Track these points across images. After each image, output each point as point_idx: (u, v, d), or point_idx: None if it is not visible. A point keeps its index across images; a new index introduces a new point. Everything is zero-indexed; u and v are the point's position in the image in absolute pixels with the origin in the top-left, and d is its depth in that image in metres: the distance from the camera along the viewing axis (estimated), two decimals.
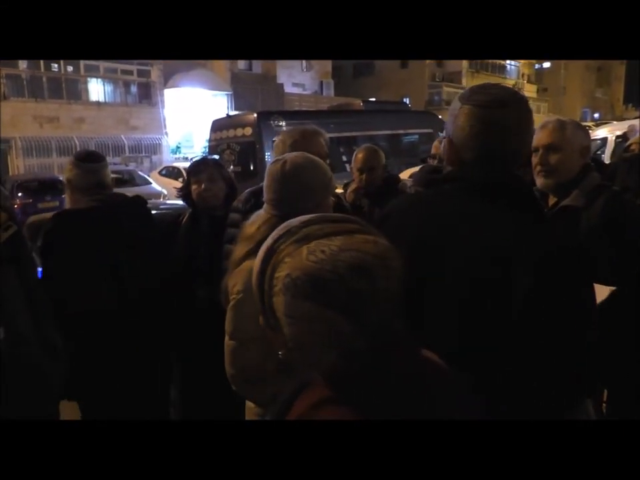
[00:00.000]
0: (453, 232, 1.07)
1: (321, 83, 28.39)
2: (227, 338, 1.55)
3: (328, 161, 2.33)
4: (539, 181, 1.99)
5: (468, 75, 36.08)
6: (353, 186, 3.11)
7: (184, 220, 2.43)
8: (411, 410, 0.68)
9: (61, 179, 14.25)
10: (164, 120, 21.64)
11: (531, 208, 1.13)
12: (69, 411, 2.10)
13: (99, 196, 2.18)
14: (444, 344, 0.85)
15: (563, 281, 1.02)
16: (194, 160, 2.52)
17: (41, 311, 1.76)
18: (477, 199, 1.09)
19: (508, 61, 38.94)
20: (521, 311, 0.99)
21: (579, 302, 1.03)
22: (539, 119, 2.62)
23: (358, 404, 0.68)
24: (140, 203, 2.37)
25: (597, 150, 6.61)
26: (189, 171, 2.41)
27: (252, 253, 1.49)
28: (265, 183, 1.57)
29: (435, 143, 3.48)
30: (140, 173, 15.77)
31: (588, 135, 2.04)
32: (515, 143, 1.11)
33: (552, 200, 2.02)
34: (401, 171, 6.35)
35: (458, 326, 1.03)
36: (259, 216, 1.58)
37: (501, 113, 1.08)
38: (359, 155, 3.08)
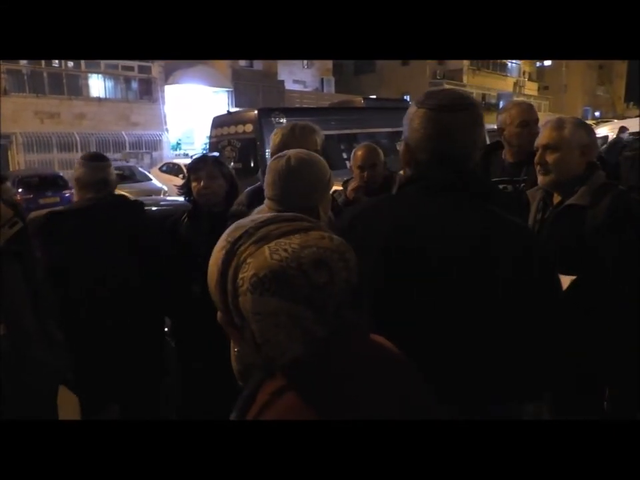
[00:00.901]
0: (418, 233, 1.13)
1: (322, 80, 28.34)
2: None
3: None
4: (539, 179, 2.00)
5: (469, 73, 35.99)
6: (353, 184, 3.11)
7: (185, 217, 2.43)
8: (363, 393, 0.73)
9: (61, 174, 14.29)
10: (165, 116, 21.62)
11: (490, 204, 1.18)
12: (66, 405, 2.12)
13: (103, 193, 2.24)
14: (414, 342, 0.89)
15: (524, 274, 1.06)
16: (194, 157, 2.51)
17: (43, 307, 1.79)
18: (437, 198, 1.15)
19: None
20: (489, 305, 1.05)
21: (544, 297, 1.08)
22: (540, 117, 2.62)
23: (314, 389, 0.74)
24: (137, 205, 2.42)
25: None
26: (189, 168, 2.40)
27: None
28: (267, 180, 1.56)
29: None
30: (140, 169, 15.76)
31: (590, 133, 2.01)
32: (464, 144, 1.17)
33: (557, 198, 2.02)
34: (402, 168, 6.32)
35: (432, 324, 1.08)
36: (261, 212, 1.55)
37: (450, 116, 1.14)
38: (358, 153, 3.07)
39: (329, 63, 28.65)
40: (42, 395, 1.71)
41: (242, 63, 24.22)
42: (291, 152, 1.56)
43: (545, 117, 2.72)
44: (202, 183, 2.29)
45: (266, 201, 1.58)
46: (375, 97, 17.65)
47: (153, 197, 9.59)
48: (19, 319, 1.61)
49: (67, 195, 12.15)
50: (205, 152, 4.31)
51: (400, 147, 1.27)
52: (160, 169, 15.29)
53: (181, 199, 2.63)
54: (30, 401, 1.63)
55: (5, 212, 1.63)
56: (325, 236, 0.80)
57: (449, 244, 1.08)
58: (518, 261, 1.06)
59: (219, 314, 0.85)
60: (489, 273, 1.05)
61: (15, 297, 1.62)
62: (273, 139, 2.23)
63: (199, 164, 2.37)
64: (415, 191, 1.19)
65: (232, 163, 8.45)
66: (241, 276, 0.77)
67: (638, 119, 7.29)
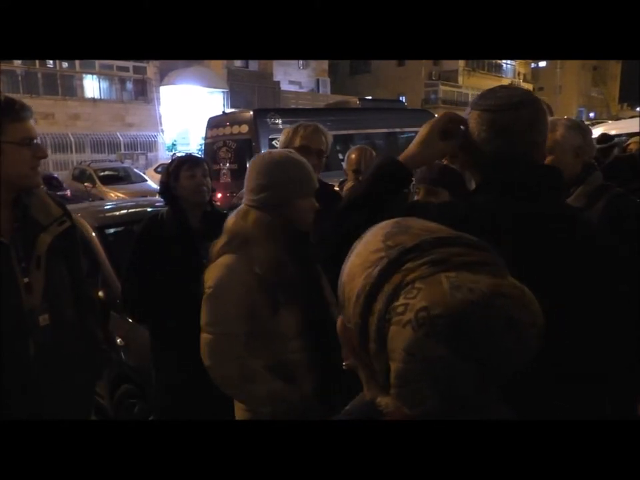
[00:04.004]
0: (525, 235, 1.05)
1: (318, 80, 28.37)
2: (202, 332, 1.57)
3: (324, 160, 2.35)
4: None
5: (464, 74, 36.12)
6: (349, 184, 3.12)
7: (163, 217, 2.35)
8: None
9: (56, 175, 14.25)
10: (160, 117, 21.59)
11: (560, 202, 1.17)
12: None
13: None
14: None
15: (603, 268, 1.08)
16: (178, 157, 2.51)
17: (86, 306, 1.87)
18: (526, 200, 1.09)
19: (504, 60, 38.99)
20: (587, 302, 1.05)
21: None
22: None
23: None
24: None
25: None
26: (178, 165, 2.36)
27: (227, 248, 1.57)
28: (246, 175, 1.64)
29: (353, 156, 3.16)
30: (135, 170, 15.74)
31: (584, 133, 1.99)
32: (525, 143, 1.10)
33: None
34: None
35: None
36: (239, 208, 1.64)
37: (512, 115, 1.08)
38: (352, 156, 3.08)
39: (324, 64, 28.69)
40: (79, 388, 1.77)
41: (237, 63, 24.21)
42: (271, 150, 1.67)
43: None
44: (198, 180, 2.29)
45: (244, 197, 1.64)
46: (370, 97, 17.66)
47: (149, 198, 9.56)
48: (62, 313, 1.69)
49: (61, 195, 12.12)
50: (190, 153, 4.32)
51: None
52: (155, 169, 15.28)
53: None
54: (68, 394, 1.68)
55: (56, 210, 1.73)
56: (517, 285, 0.63)
57: (556, 243, 1.06)
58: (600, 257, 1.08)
59: (340, 326, 0.71)
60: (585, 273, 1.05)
61: (59, 291, 1.70)
62: (280, 138, 2.35)
63: (194, 161, 2.38)
64: (496, 196, 1.10)
65: (227, 164, 8.46)
66: (402, 301, 0.60)
67: (633, 119, 7.31)
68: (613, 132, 6.17)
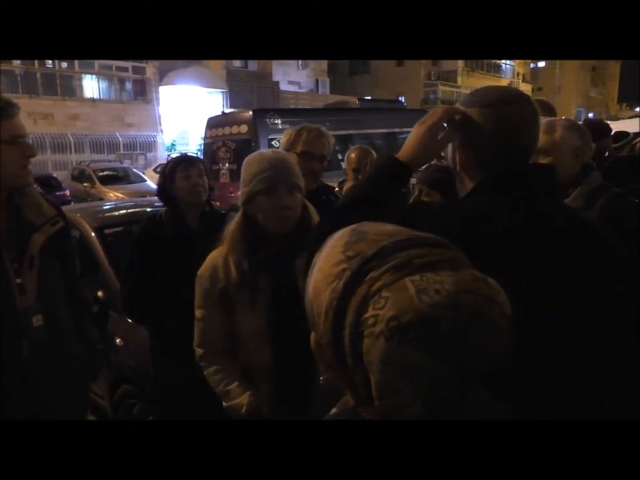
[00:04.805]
0: (535, 235, 1.05)
1: (317, 80, 28.38)
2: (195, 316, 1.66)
3: (326, 162, 2.35)
4: None
5: (463, 74, 36.14)
6: (349, 184, 3.11)
7: (162, 217, 2.36)
8: None
9: (55, 175, 14.23)
10: (159, 117, 21.58)
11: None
12: None
13: None
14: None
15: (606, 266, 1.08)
16: (174, 157, 2.51)
17: (80, 306, 1.87)
18: (521, 199, 1.08)
19: (503, 60, 39.02)
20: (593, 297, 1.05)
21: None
22: None
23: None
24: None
25: None
26: (174, 166, 2.37)
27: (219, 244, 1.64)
28: (241, 178, 1.65)
29: (352, 155, 3.12)
30: (135, 170, 15.73)
31: (583, 134, 1.99)
32: (528, 137, 1.11)
33: None
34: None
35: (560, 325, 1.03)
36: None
37: (515, 108, 1.08)
38: (351, 155, 3.08)
39: (323, 64, 28.69)
40: (74, 388, 1.77)
41: (236, 63, 24.21)
42: (262, 150, 1.67)
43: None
44: (194, 180, 2.29)
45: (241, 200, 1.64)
46: (369, 97, 17.66)
47: (148, 198, 9.56)
48: (56, 313, 1.69)
49: (60, 195, 12.11)
50: (184, 153, 4.32)
51: (450, 153, 1.19)
52: (154, 170, 15.26)
53: None
54: (63, 395, 1.68)
55: (49, 210, 1.72)
56: (479, 278, 0.62)
57: (567, 242, 1.06)
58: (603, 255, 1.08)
59: (314, 342, 0.70)
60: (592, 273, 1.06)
61: (53, 292, 1.69)
62: (282, 139, 2.35)
63: (189, 161, 2.38)
64: (497, 194, 1.08)
65: (227, 164, 8.46)
66: (371, 313, 0.60)
67: (633, 120, 7.31)
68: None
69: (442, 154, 1.23)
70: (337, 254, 0.66)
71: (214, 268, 1.61)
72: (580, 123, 2.28)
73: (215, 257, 1.63)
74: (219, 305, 1.60)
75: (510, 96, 1.10)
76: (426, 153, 1.15)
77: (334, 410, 0.76)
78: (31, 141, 1.72)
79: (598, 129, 3.34)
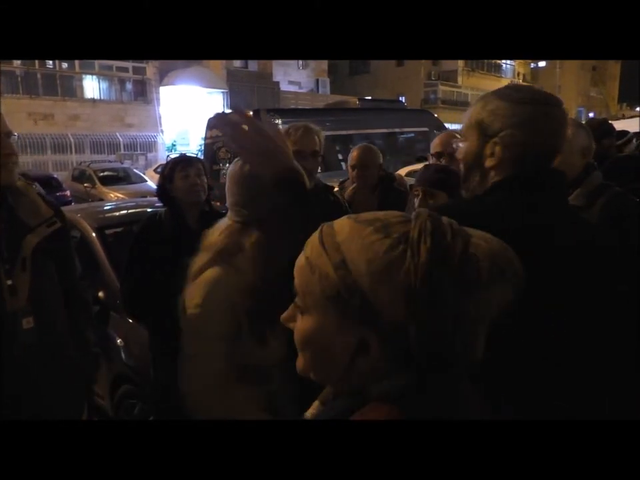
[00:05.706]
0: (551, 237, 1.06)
1: (317, 81, 28.39)
2: (184, 356, 1.45)
3: (320, 159, 2.34)
4: None
5: (463, 74, 36.12)
6: (348, 183, 3.11)
7: (161, 217, 2.37)
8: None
9: (55, 176, 14.24)
10: (159, 117, 21.60)
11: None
12: None
13: None
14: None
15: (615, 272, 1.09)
16: (172, 158, 2.52)
17: (78, 307, 1.84)
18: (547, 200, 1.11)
19: (504, 60, 39.00)
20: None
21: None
22: None
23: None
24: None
25: None
26: (172, 166, 2.37)
27: (212, 263, 1.42)
28: (226, 186, 1.48)
29: (437, 140, 2.89)
30: (135, 170, 15.74)
31: (589, 134, 2.01)
32: (562, 140, 1.13)
33: None
34: (397, 169, 6.35)
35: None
36: (221, 223, 1.52)
37: (550, 109, 1.11)
38: (353, 153, 3.08)
39: (324, 64, 28.71)
40: (70, 391, 1.75)
41: (237, 63, 24.23)
42: None
43: None
44: (192, 180, 2.29)
45: (228, 211, 1.51)
46: (370, 97, 17.66)
47: (148, 198, 9.56)
48: (50, 315, 1.66)
49: (60, 196, 12.12)
50: (183, 153, 4.33)
51: (475, 147, 1.15)
52: (155, 170, 15.25)
53: None
54: (58, 397, 1.67)
55: (46, 211, 1.69)
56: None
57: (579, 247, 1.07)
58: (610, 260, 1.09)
59: (324, 339, 0.68)
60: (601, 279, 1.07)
61: (47, 294, 1.67)
62: None
63: (187, 161, 2.38)
64: (528, 192, 1.09)
65: (227, 164, 8.46)
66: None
67: (633, 119, 7.31)
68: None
69: (454, 146, 1.22)
70: (382, 240, 0.62)
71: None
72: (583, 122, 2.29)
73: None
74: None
75: (552, 98, 1.14)
76: None
77: (315, 404, 0.79)
78: (28, 142, 1.69)
79: (602, 128, 3.34)
